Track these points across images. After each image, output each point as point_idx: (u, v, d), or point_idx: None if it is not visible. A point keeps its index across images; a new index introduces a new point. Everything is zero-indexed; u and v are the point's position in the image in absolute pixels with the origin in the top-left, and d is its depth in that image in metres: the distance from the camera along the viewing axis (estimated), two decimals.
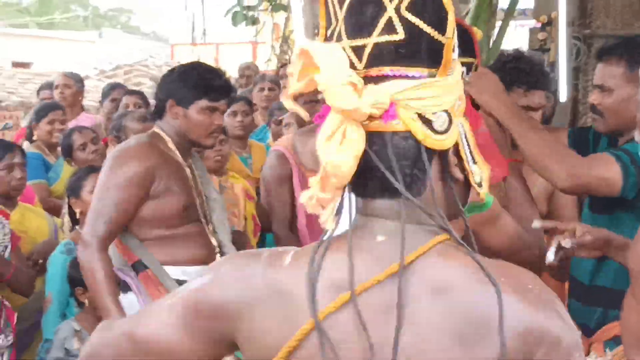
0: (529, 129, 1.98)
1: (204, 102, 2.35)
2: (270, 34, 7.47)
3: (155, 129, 2.42)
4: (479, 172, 0.93)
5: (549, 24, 4.14)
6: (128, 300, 2.27)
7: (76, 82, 4.95)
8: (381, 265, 0.81)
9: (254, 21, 7.46)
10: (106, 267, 2.20)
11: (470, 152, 0.92)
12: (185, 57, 9.14)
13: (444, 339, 0.80)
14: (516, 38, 6.14)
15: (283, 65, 5.76)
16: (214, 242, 2.42)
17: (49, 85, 5.25)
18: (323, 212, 0.85)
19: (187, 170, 2.41)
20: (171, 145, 2.37)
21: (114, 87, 5.18)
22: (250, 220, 3.14)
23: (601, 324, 1.98)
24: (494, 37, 4.46)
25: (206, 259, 2.28)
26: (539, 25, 4.34)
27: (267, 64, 7.69)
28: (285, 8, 6.65)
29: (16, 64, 13.64)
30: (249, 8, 7.36)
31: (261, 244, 3.18)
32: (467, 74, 1.93)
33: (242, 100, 3.87)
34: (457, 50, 0.92)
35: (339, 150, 0.82)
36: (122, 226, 2.29)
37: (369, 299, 0.80)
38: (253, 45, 9.02)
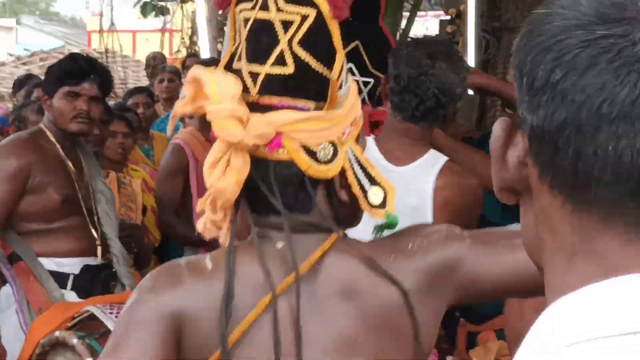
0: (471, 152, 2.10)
1: (64, 89, 2.38)
2: (180, 24, 7.27)
3: (40, 124, 2.51)
4: (379, 192, 0.96)
5: (459, 17, 4.15)
6: (5, 292, 2.36)
7: None
8: (285, 268, 0.90)
9: (162, 11, 7.30)
10: None
11: (367, 174, 0.96)
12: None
13: (355, 333, 0.91)
14: (428, 31, 6.18)
15: (190, 55, 5.68)
16: (95, 234, 2.41)
17: None
18: (220, 233, 0.94)
19: (70, 164, 2.42)
20: (52, 139, 2.40)
21: (29, 77, 5.02)
22: (150, 213, 3.11)
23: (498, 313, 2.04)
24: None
25: (85, 251, 2.39)
26: (449, 17, 4.40)
27: (176, 54, 7.56)
28: None
29: None
30: None
31: None
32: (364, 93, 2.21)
33: (143, 92, 4.12)
34: (346, 85, 0.97)
35: (222, 177, 0.89)
36: (1, 220, 2.32)
37: (281, 301, 0.88)
38: (169, 34, 8.71)
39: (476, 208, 1.92)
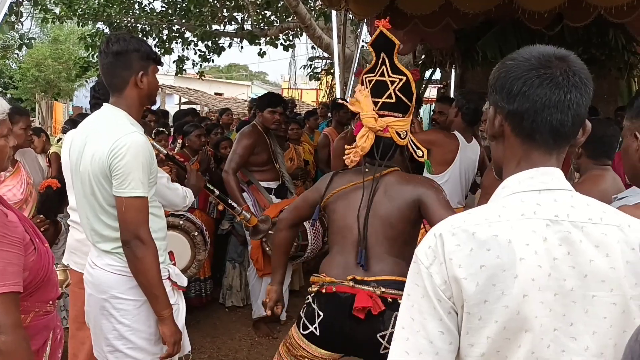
0: None
1: (269, 108, 4.53)
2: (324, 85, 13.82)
3: (255, 122, 4.65)
4: (420, 151, 2.37)
5: (447, 86, 7.09)
6: (245, 197, 4.38)
7: None
8: (368, 175, 2.34)
9: (317, 78, 14.05)
10: None
11: (415, 144, 2.37)
12: None
13: (392, 209, 2.29)
14: (431, 93, 10.20)
15: (333, 101, 8.49)
16: (279, 172, 4.76)
17: None
18: (353, 163, 2.37)
19: (269, 142, 4.64)
20: (262, 130, 4.61)
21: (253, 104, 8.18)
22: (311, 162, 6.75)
23: None
24: None
25: (276, 178, 4.70)
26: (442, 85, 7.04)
27: (322, 99, 13.87)
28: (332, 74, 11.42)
29: None
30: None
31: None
32: None
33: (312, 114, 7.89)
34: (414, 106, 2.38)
35: (365, 141, 2.29)
36: (241, 163, 4.45)
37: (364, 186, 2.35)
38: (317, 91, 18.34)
39: None
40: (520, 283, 1.05)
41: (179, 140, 4.90)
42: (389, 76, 2.29)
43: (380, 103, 2.30)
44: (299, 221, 2.64)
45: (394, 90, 2.28)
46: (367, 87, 2.33)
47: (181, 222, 3.65)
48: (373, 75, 2.33)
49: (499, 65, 1.19)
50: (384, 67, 2.30)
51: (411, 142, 2.37)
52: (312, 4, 11.36)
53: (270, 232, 3.77)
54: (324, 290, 2.27)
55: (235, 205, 3.32)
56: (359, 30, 9.78)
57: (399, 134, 2.31)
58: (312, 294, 2.33)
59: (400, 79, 2.28)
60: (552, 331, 1.07)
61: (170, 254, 2.46)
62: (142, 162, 2.15)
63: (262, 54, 12.58)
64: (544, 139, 1.14)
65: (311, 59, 13.15)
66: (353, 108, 2.35)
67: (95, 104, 2.81)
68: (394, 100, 2.29)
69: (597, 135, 2.60)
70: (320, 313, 2.27)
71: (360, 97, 2.31)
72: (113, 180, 2.13)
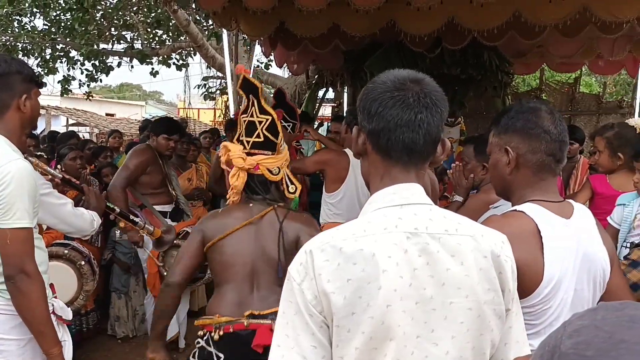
0: None
1: (163, 135, 4.51)
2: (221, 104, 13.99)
3: (150, 143, 4.64)
4: (293, 187, 2.47)
5: (340, 104, 6.67)
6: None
7: None
8: (251, 215, 2.36)
9: (213, 98, 13.87)
10: None
11: (290, 180, 2.48)
12: None
13: (276, 245, 2.30)
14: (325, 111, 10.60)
15: (228, 121, 9.45)
16: (173, 194, 4.80)
17: None
18: (235, 199, 2.44)
19: (162, 163, 4.78)
20: (156, 153, 4.54)
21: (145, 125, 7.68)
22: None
23: None
24: None
25: (170, 201, 4.67)
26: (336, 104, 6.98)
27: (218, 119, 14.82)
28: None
29: None
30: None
31: None
32: (288, 130, 4.41)
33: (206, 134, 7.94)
34: (283, 144, 2.51)
35: (235, 180, 2.38)
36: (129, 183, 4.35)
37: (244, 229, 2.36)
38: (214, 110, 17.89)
39: None
40: (383, 294, 1.10)
41: (52, 165, 4.64)
42: (257, 116, 2.43)
43: (251, 142, 2.43)
44: (191, 277, 2.50)
45: (261, 129, 2.42)
46: (240, 128, 2.47)
47: (66, 251, 3.46)
48: (246, 115, 2.46)
49: (364, 88, 1.27)
50: (253, 108, 2.44)
51: (286, 178, 2.48)
52: (204, 24, 11.27)
53: (175, 242, 3.72)
54: (221, 332, 2.21)
55: (137, 220, 3.21)
56: (251, 50, 9.83)
57: (270, 171, 2.42)
58: (205, 337, 2.25)
59: (267, 119, 2.42)
60: (415, 338, 1.13)
61: (51, 286, 2.32)
62: (28, 190, 2.03)
63: (154, 74, 12.26)
64: (399, 155, 1.22)
65: (205, 78, 13.00)
66: (223, 155, 2.43)
67: None
68: (262, 139, 2.42)
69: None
70: (220, 355, 2.21)
71: (228, 143, 2.46)
72: None
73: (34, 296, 2.03)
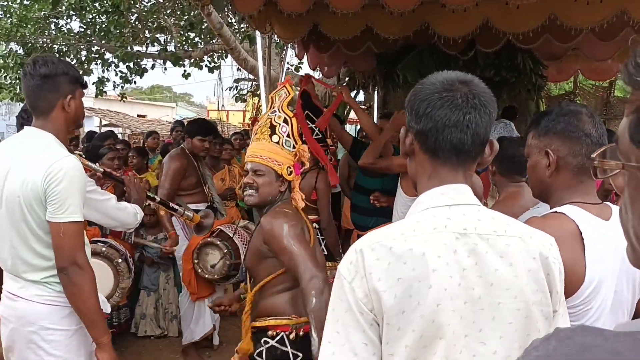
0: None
1: (198, 136, 4.68)
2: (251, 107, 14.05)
3: (184, 146, 4.80)
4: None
5: (371, 107, 6.75)
6: (174, 220, 4.61)
7: None
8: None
9: (244, 100, 13.91)
10: None
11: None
12: None
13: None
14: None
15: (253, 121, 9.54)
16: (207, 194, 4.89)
17: None
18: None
19: (197, 165, 5.25)
20: (190, 155, 4.83)
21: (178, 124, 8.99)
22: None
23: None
24: None
25: (205, 200, 4.77)
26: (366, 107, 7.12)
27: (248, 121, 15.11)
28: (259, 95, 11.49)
29: None
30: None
31: None
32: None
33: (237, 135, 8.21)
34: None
35: None
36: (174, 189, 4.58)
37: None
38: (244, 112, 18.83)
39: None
40: (434, 293, 1.12)
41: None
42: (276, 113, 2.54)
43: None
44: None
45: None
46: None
47: (104, 248, 3.56)
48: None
49: (412, 90, 1.28)
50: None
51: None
52: (236, 27, 11.39)
53: (210, 240, 3.89)
54: (301, 332, 2.25)
55: (177, 207, 3.30)
56: (283, 52, 9.91)
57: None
58: (276, 337, 2.27)
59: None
60: (464, 337, 1.14)
61: None
62: (79, 186, 2.13)
63: (186, 76, 12.45)
64: (447, 155, 1.22)
65: (237, 80, 13.19)
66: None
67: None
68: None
69: (509, 154, 2.76)
70: (299, 354, 2.25)
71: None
72: (48, 205, 2.08)
73: (85, 287, 2.11)
